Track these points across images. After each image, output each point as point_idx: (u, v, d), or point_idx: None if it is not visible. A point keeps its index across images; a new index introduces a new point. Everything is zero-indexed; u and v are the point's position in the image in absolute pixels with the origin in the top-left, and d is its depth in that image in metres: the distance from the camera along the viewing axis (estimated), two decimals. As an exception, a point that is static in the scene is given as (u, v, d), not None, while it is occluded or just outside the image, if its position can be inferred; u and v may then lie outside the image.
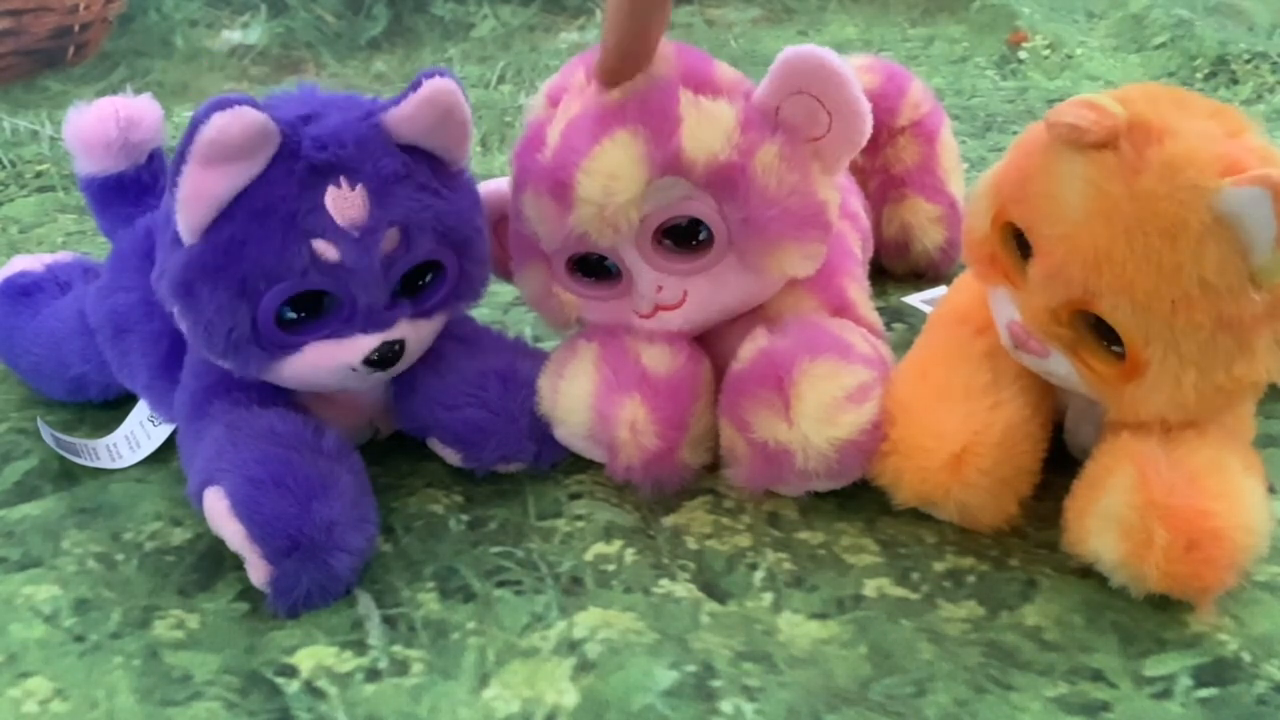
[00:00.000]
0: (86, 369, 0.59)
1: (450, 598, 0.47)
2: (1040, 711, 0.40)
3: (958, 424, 0.46)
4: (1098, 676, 0.42)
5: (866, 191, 0.69)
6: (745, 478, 0.50)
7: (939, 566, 0.47)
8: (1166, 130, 0.41)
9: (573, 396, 0.51)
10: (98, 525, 0.52)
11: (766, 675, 0.42)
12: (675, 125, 0.48)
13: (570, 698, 0.41)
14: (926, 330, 0.54)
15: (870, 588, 0.47)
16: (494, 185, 0.55)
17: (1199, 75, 1.18)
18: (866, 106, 0.49)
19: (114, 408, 0.60)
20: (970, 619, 0.45)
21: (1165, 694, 0.41)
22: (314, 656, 0.44)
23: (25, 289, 0.63)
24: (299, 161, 0.45)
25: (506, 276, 0.56)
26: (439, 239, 0.48)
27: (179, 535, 0.51)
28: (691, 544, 0.49)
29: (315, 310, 0.47)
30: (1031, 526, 0.48)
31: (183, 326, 0.48)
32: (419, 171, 0.48)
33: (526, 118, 0.53)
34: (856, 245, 0.60)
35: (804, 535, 0.50)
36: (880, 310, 0.58)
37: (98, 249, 0.75)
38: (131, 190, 0.58)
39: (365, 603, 0.47)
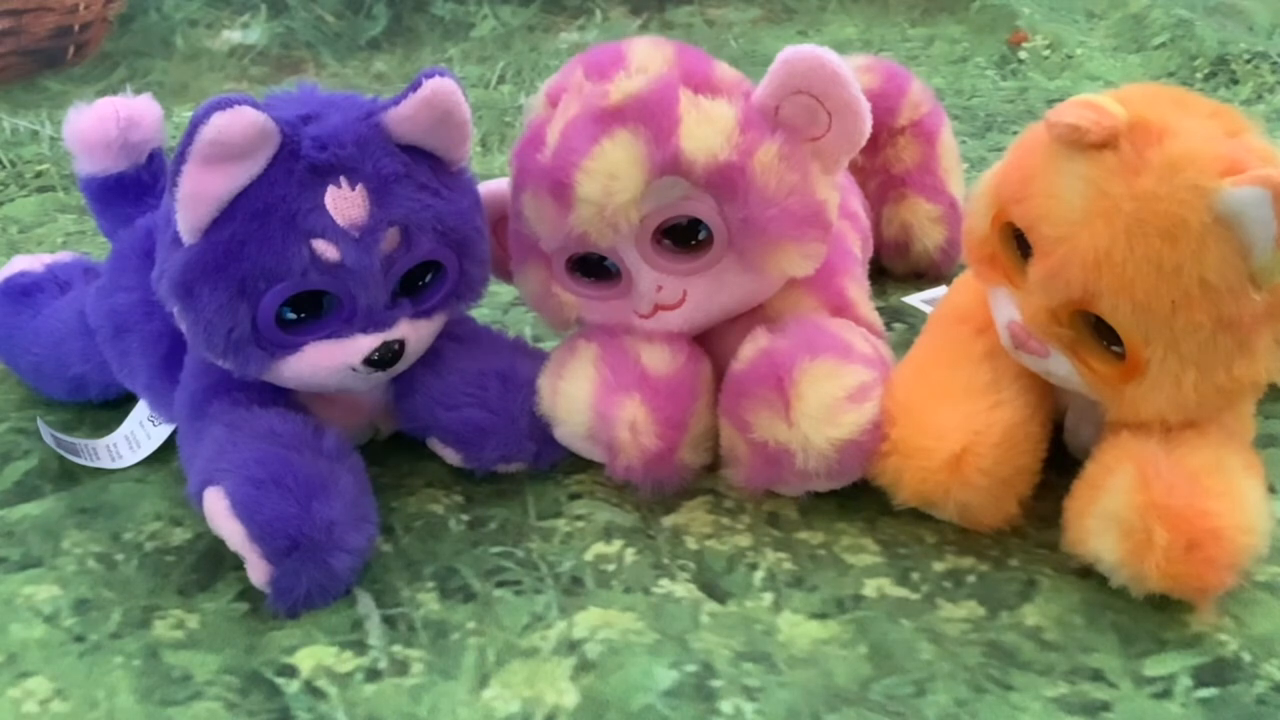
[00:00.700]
0: (86, 369, 0.59)
1: (450, 598, 0.47)
2: (1040, 711, 0.40)
3: (958, 424, 0.46)
4: (1098, 676, 0.42)
5: (866, 191, 0.69)
6: (745, 478, 0.50)
7: (939, 566, 0.47)
8: (1166, 130, 0.41)
9: (572, 396, 0.51)
10: (98, 525, 0.52)
11: (766, 675, 0.42)
12: (675, 125, 0.48)
13: (570, 698, 0.41)
14: (926, 330, 0.54)
15: (870, 588, 0.47)
16: (494, 185, 0.55)
17: (1199, 75, 1.18)
18: (866, 106, 0.49)
19: (114, 408, 0.60)
20: (970, 619, 0.45)
21: (1165, 694, 0.41)
22: (314, 656, 0.44)
23: (25, 289, 0.63)
24: (299, 161, 0.45)
25: (506, 277, 0.56)
26: (439, 239, 0.48)
27: (179, 535, 0.51)
28: (691, 544, 0.49)
29: (315, 310, 0.47)
30: (1031, 526, 0.48)
31: (183, 326, 0.48)
32: (419, 171, 0.48)
33: (526, 117, 0.53)
34: (856, 245, 0.60)
35: (804, 535, 0.50)
36: (880, 310, 0.58)
37: (98, 249, 0.75)
38: (131, 190, 0.58)
39: (365, 603, 0.47)
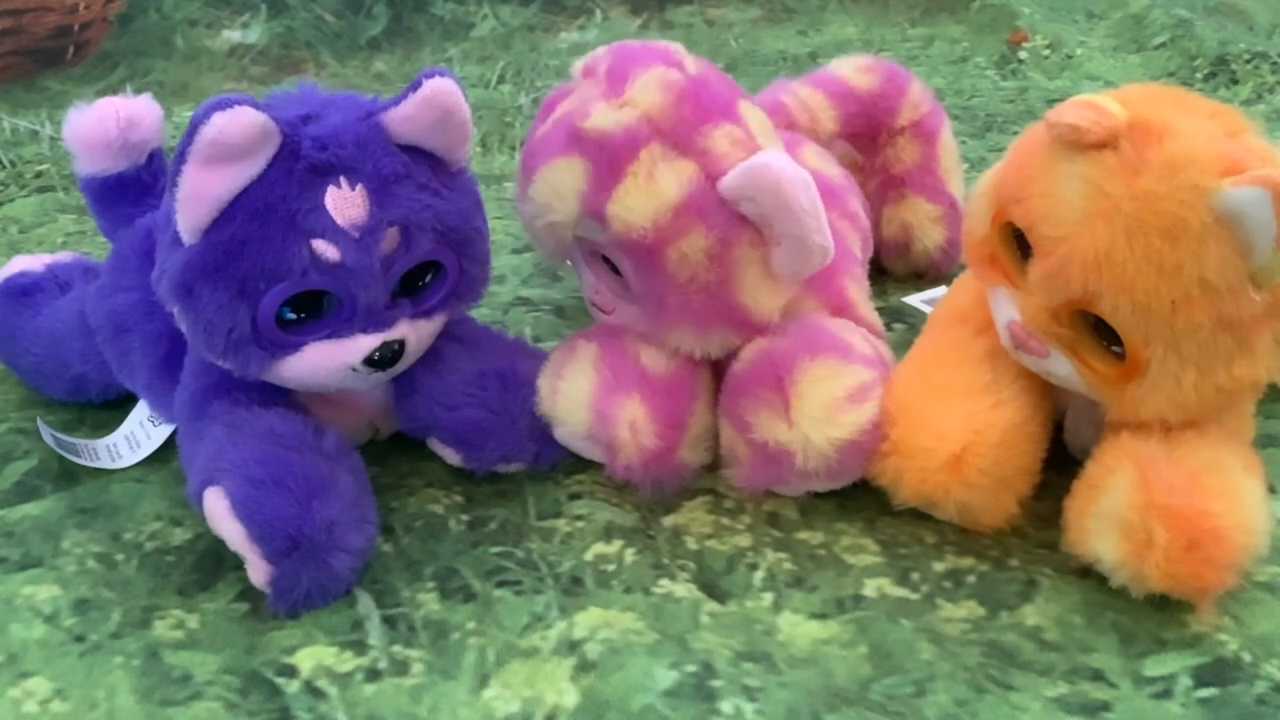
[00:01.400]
0: (86, 369, 0.59)
1: (450, 598, 0.47)
2: (1040, 711, 0.40)
3: (958, 424, 0.46)
4: (1098, 676, 0.42)
5: (866, 191, 0.69)
6: (745, 478, 0.50)
7: (939, 566, 0.47)
8: (1166, 130, 0.41)
9: (572, 396, 0.51)
10: (98, 525, 0.52)
11: (766, 675, 0.42)
12: (616, 181, 0.47)
13: (570, 698, 0.41)
14: (926, 330, 0.54)
15: (870, 588, 0.47)
16: None
17: (1199, 75, 1.18)
18: (820, 244, 0.47)
19: (114, 408, 0.60)
20: (970, 619, 0.45)
21: (1165, 694, 0.41)
22: (314, 656, 0.44)
23: (25, 289, 0.63)
24: (299, 161, 0.45)
25: None
26: (439, 239, 0.48)
27: (179, 535, 0.51)
28: (691, 544, 0.49)
29: (315, 310, 0.47)
30: (1031, 526, 0.48)
31: (183, 326, 0.48)
32: (419, 171, 0.48)
33: (573, 69, 0.53)
34: (856, 245, 0.60)
35: (804, 535, 0.50)
36: (880, 310, 0.58)
37: (98, 249, 0.75)
38: (131, 190, 0.58)
39: (365, 603, 0.47)
